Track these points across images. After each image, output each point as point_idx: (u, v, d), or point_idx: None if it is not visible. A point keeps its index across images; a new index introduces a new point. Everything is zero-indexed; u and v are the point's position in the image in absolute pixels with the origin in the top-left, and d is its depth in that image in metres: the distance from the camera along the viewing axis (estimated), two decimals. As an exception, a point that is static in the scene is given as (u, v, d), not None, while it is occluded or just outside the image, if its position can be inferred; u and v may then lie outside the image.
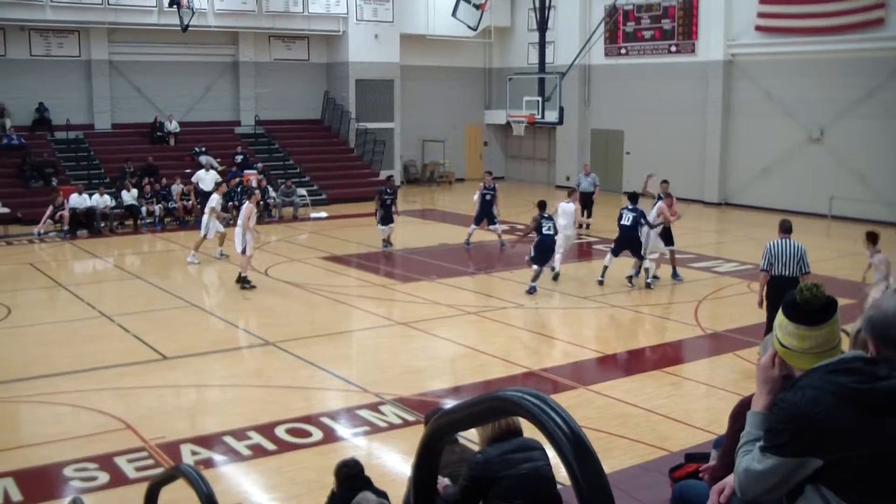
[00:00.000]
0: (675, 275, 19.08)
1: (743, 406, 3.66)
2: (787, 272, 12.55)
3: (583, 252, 23.00)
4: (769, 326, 12.27)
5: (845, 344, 3.31)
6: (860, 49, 27.08)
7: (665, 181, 19.95)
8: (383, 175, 33.61)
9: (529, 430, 4.21)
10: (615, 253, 18.54)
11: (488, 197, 22.72)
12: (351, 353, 14.63)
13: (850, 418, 2.94)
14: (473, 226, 22.95)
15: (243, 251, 18.43)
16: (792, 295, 3.23)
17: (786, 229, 13.11)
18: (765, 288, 12.75)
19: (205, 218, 21.45)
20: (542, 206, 18.14)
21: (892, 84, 26.49)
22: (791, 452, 3.02)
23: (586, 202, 25.39)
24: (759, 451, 3.12)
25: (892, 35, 26.33)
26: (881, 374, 3.01)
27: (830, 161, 28.28)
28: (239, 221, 18.92)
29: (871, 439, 2.94)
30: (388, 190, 22.60)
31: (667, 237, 18.88)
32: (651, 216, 18.73)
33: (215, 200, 21.40)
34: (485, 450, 5.30)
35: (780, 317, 3.27)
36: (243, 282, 18.44)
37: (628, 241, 18.33)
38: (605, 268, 18.67)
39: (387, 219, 22.30)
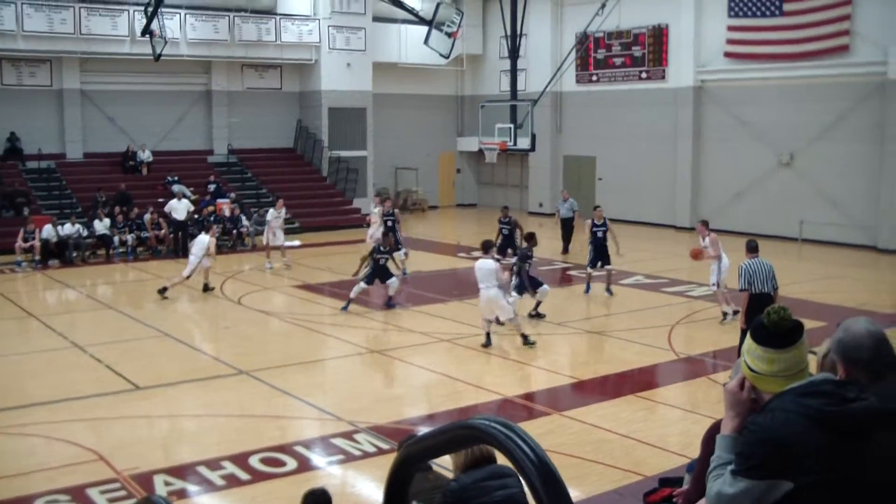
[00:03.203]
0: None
1: (714, 430, 3.68)
2: (765, 289, 13.00)
3: (563, 278, 23.05)
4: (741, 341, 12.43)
5: (812, 367, 3.34)
6: (828, 75, 27.43)
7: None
8: (356, 203, 33.75)
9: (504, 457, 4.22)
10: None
11: (389, 223, 22.81)
12: (325, 382, 14.56)
13: (821, 441, 2.96)
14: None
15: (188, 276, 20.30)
16: (759, 319, 3.26)
17: (753, 248, 13.64)
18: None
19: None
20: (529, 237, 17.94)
21: (860, 109, 26.82)
22: (762, 475, 3.04)
23: (566, 228, 25.68)
24: (731, 474, 3.13)
25: (858, 61, 26.72)
26: (850, 397, 3.03)
27: (801, 185, 28.56)
28: (195, 252, 20.54)
29: (841, 462, 2.96)
30: (381, 248, 19.32)
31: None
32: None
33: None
34: (459, 477, 5.28)
35: (747, 341, 3.30)
36: (162, 291, 20.25)
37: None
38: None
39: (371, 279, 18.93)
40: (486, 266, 15.31)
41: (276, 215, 24.79)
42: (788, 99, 28.66)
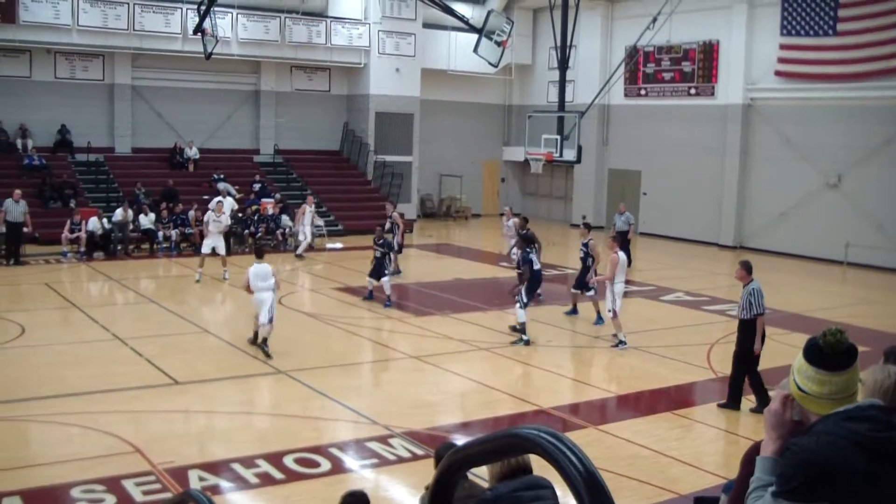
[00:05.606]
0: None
1: (755, 450, 3.65)
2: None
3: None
4: (749, 367, 12.38)
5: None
6: (879, 97, 27.14)
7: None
8: (401, 208, 33.79)
9: (539, 468, 4.21)
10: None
11: (387, 226, 22.83)
12: (362, 385, 14.61)
13: (865, 466, 2.93)
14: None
15: None
16: (815, 339, 3.22)
17: (752, 269, 13.27)
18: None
19: None
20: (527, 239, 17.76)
21: (911, 133, 26.51)
22: (803, 498, 3.01)
23: (622, 242, 25.43)
24: (771, 496, 3.10)
25: (911, 84, 26.41)
26: (897, 423, 3.01)
27: (847, 207, 28.25)
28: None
29: (884, 487, 2.93)
30: (377, 241, 20.26)
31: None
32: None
33: None
34: (495, 487, 5.26)
35: (799, 360, 3.26)
36: None
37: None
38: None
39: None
40: (261, 270, 15.51)
41: (214, 219, 22.85)
42: (838, 120, 28.37)
